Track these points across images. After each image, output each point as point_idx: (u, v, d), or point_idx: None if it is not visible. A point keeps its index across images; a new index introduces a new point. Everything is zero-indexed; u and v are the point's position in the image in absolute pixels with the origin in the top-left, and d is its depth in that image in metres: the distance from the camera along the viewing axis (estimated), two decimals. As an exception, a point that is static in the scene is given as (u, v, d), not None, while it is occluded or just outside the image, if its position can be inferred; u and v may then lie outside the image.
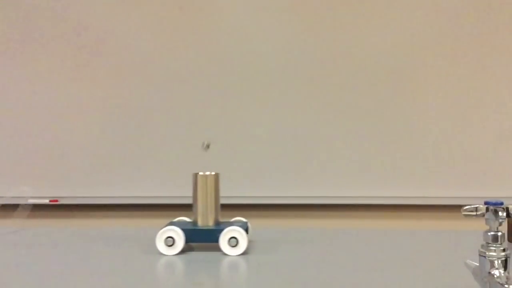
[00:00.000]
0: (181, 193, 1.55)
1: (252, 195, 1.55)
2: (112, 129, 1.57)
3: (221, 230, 0.80)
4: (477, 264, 0.51)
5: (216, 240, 0.80)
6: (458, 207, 1.52)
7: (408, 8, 1.53)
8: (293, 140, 1.55)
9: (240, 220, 0.91)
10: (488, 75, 1.52)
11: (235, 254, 0.79)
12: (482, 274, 0.50)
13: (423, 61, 1.53)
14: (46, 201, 1.56)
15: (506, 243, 0.84)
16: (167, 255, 0.79)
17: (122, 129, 1.57)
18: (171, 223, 0.85)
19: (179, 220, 0.92)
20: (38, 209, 1.62)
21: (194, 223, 0.84)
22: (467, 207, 0.52)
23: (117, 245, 0.88)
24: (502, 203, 0.50)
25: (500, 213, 0.49)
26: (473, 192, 1.51)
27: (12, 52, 1.59)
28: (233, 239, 0.79)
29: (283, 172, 1.54)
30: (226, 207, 1.58)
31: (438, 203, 1.52)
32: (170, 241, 0.79)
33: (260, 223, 1.62)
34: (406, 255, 0.78)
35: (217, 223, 0.84)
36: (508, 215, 0.49)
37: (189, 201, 1.54)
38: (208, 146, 0.91)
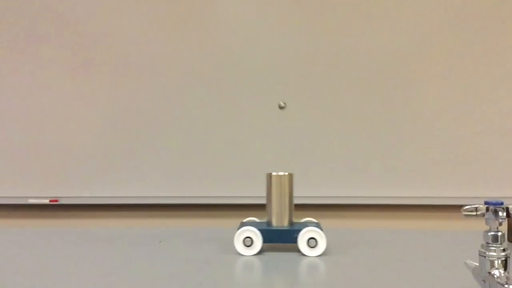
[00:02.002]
0: (182, 193, 1.55)
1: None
2: (112, 129, 1.57)
3: (299, 231, 0.79)
4: (477, 264, 0.51)
5: (294, 240, 0.79)
6: (458, 207, 1.53)
7: (409, 9, 1.53)
8: (297, 140, 1.55)
9: (311, 221, 0.89)
10: (488, 75, 1.52)
11: (314, 255, 0.78)
12: (482, 274, 0.50)
13: (423, 62, 1.53)
14: (46, 201, 1.56)
15: (506, 243, 0.84)
16: (245, 256, 0.78)
17: (122, 129, 1.57)
18: (244, 224, 0.84)
19: (249, 220, 0.91)
20: (38, 209, 1.62)
21: (269, 223, 0.83)
22: (467, 207, 0.52)
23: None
24: (502, 203, 0.50)
25: (500, 213, 0.49)
26: (473, 192, 1.51)
27: (12, 52, 1.59)
28: (312, 239, 0.78)
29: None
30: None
31: (438, 203, 1.52)
32: (248, 242, 0.79)
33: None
34: (406, 255, 0.78)
35: (291, 223, 0.83)
36: (508, 215, 0.49)
37: (190, 201, 1.55)
38: (282, 107, 0.91)
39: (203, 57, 1.57)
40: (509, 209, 0.49)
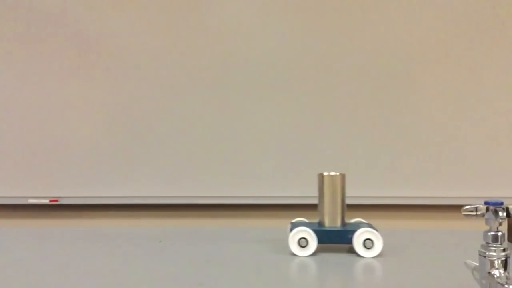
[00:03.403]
0: (182, 193, 1.55)
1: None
2: (112, 129, 1.57)
3: (353, 231, 0.78)
4: (477, 264, 0.51)
5: (348, 241, 0.78)
6: (458, 207, 1.53)
7: (409, 9, 1.53)
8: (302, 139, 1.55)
9: (362, 221, 0.88)
10: (488, 75, 1.52)
11: (370, 256, 0.77)
12: (482, 274, 0.50)
13: (423, 62, 1.53)
14: (46, 201, 1.56)
15: (506, 243, 0.84)
16: (300, 256, 0.77)
17: (122, 129, 1.57)
18: (296, 224, 0.83)
19: (299, 220, 0.89)
20: (38, 209, 1.62)
21: (321, 224, 0.82)
22: (467, 207, 0.52)
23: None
24: (502, 203, 0.50)
25: (500, 213, 0.49)
26: (473, 192, 1.51)
27: (12, 53, 1.59)
28: (368, 240, 0.77)
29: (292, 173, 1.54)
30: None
31: (438, 203, 1.52)
32: (304, 242, 0.78)
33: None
34: (405, 255, 0.78)
35: (344, 224, 0.82)
36: (508, 215, 0.49)
37: (193, 201, 1.55)
38: None
39: (204, 57, 1.57)
40: (509, 209, 0.49)
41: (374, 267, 0.70)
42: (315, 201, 1.53)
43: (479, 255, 0.50)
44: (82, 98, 1.58)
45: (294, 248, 0.79)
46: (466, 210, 0.52)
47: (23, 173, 1.57)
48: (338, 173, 0.82)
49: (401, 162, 1.53)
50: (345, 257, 0.77)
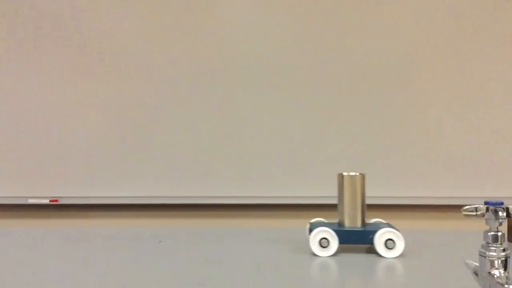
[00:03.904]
0: (183, 193, 1.55)
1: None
2: (112, 129, 1.57)
3: (374, 232, 0.77)
4: (477, 264, 0.51)
5: (369, 242, 0.78)
6: (458, 207, 1.53)
7: (410, 9, 1.53)
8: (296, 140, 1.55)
9: (381, 221, 0.87)
10: (488, 75, 1.52)
11: (392, 257, 0.76)
12: (482, 274, 0.50)
13: (423, 62, 1.53)
14: (46, 201, 1.56)
15: (506, 243, 0.84)
16: (321, 257, 0.77)
17: (122, 129, 1.57)
18: (315, 225, 0.82)
19: (318, 221, 0.89)
20: (38, 209, 1.62)
21: (341, 224, 0.82)
22: (467, 207, 0.52)
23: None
24: (502, 203, 0.50)
25: (500, 213, 0.49)
26: (473, 192, 1.51)
27: (13, 53, 1.59)
28: (390, 241, 0.76)
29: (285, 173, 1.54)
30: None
31: (438, 203, 1.52)
32: (325, 243, 0.78)
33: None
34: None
35: (364, 224, 0.81)
36: (508, 215, 0.49)
37: (194, 201, 1.55)
38: None
39: (205, 57, 1.57)
40: (509, 209, 0.49)
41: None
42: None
43: (479, 255, 0.50)
44: (82, 98, 1.58)
45: (315, 248, 0.78)
46: (466, 210, 0.52)
47: (23, 173, 1.57)
48: (358, 173, 0.81)
49: (401, 162, 1.53)
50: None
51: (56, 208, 1.62)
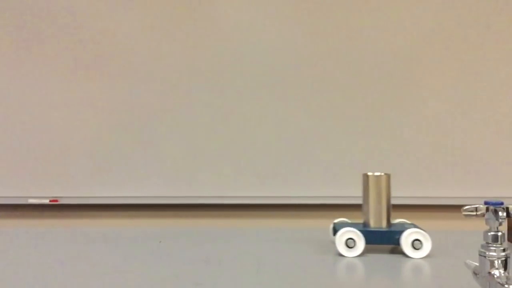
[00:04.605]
0: (183, 193, 1.55)
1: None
2: (112, 129, 1.57)
3: (401, 232, 0.77)
4: (477, 264, 0.51)
5: (396, 242, 0.77)
6: (458, 207, 1.53)
7: (410, 9, 1.53)
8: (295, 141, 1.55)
9: (405, 222, 0.87)
10: (488, 75, 1.52)
11: (419, 257, 0.76)
12: (482, 274, 0.50)
13: (423, 62, 1.53)
14: (46, 201, 1.56)
15: (506, 243, 0.84)
16: (347, 257, 0.77)
17: (122, 129, 1.57)
18: (340, 225, 0.82)
19: (341, 221, 0.88)
20: (38, 209, 1.62)
21: (366, 224, 0.81)
22: (467, 207, 0.52)
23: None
24: (502, 203, 0.50)
25: (500, 213, 0.49)
26: (473, 192, 1.51)
27: (12, 52, 1.59)
28: (417, 241, 0.76)
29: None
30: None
31: (438, 203, 1.52)
32: (351, 243, 0.77)
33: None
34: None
35: (389, 224, 0.81)
36: (508, 215, 0.49)
37: (194, 201, 1.55)
38: None
39: (205, 57, 1.57)
40: (509, 209, 0.49)
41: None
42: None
43: (479, 255, 0.50)
44: (82, 98, 1.58)
45: (341, 248, 0.78)
46: (466, 210, 0.52)
47: (23, 173, 1.57)
48: (383, 173, 0.81)
49: (401, 162, 1.53)
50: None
51: (56, 208, 1.62)
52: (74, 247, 0.86)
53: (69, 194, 1.56)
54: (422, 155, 1.52)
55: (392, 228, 0.79)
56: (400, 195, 1.52)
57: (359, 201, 1.51)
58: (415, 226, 0.80)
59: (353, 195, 1.52)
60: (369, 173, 0.82)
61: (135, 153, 1.56)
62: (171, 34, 1.57)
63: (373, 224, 0.80)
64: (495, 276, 0.48)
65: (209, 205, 1.60)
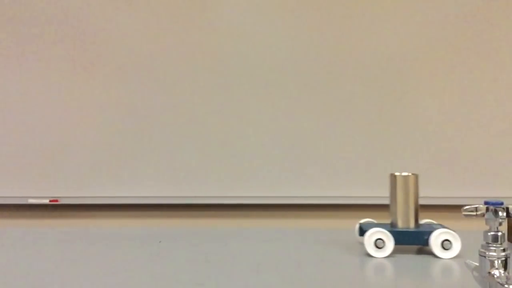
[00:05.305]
0: (183, 193, 1.55)
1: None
2: (112, 129, 1.57)
3: (430, 232, 0.77)
4: (477, 264, 0.51)
5: (424, 242, 0.77)
6: (458, 207, 1.53)
7: (410, 10, 1.53)
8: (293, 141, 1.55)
9: (432, 222, 0.87)
10: (488, 75, 1.52)
11: (448, 258, 0.75)
12: (482, 274, 0.50)
13: (423, 62, 1.53)
14: (46, 201, 1.56)
15: (506, 243, 0.84)
16: (376, 258, 0.76)
17: (122, 129, 1.57)
18: (367, 226, 0.81)
19: (368, 221, 0.88)
20: (38, 209, 1.62)
21: (393, 225, 0.81)
22: (467, 207, 0.52)
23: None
24: (502, 203, 0.50)
25: (500, 213, 0.49)
26: (473, 192, 1.51)
27: (13, 53, 1.59)
28: (447, 241, 0.76)
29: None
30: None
31: (438, 203, 1.52)
32: (380, 243, 0.77)
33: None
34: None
35: (417, 225, 0.81)
36: (508, 215, 0.49)
37: (195, 201, 1.55)
38: None
39: (205, 57, 1.57)
40: (509, 209, 0.49)
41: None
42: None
43: (479, 255, 0.50)
44: (82, 98, 1.58)
45: (370, 249, 0.77)
46: (466, 210, 0.52)
47: (23, 173, 1.57)
48: (410, 174, 0.81)
49: (401, 162, 1.53)
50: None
51: (56, 208, 1.62)
52: (74, 247, 0.86)
53: (69, 194, 1.56)
54: (422, 155, 1.52)
55: (421, 229, 0.79)
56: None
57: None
58: (443, 226, 0.80)
59: (356, 195, 1.52)
60: (397, 173, 0.82)
61: (135, 153, 1.56)
62: (171, 34, 1.57)
63: (401, 225, 0.80)
64: (495, 276, 0.48)
65: (209, 205, 1.60)
